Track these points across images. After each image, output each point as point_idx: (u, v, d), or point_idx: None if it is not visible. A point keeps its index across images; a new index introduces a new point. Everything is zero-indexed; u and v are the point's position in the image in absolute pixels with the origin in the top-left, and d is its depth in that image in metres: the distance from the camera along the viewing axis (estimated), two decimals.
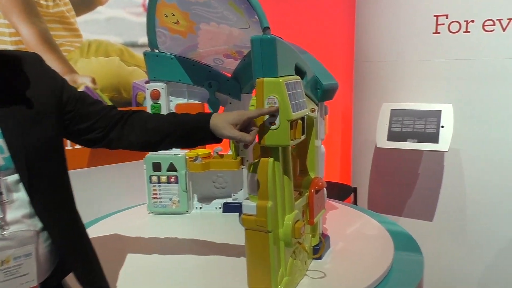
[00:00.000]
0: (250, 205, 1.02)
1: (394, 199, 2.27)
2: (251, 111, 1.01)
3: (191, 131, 1.06)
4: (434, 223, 2.18)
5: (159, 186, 1.67)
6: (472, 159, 2.05)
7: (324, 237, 1.30)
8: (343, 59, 2.72)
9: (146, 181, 1.68)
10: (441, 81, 2.07)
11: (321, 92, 1.22)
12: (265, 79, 0.96)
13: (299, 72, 1.11)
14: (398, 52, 2.18)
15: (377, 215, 1.66)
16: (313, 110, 1.15)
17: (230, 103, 1.67)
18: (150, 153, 1.69)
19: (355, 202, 2.31)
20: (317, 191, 1.19)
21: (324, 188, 1.24)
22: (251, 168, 1.04)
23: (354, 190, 2.31)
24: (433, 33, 2.08)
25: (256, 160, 1.05)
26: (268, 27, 0.98)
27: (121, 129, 1.05)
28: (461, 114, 2.02)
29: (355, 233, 1.47)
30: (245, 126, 1.02)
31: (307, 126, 1.13)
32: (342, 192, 2.25)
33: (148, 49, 1.63)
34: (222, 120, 1.02)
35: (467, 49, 2.01)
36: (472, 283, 2.12)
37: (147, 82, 1.68)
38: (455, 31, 2.02)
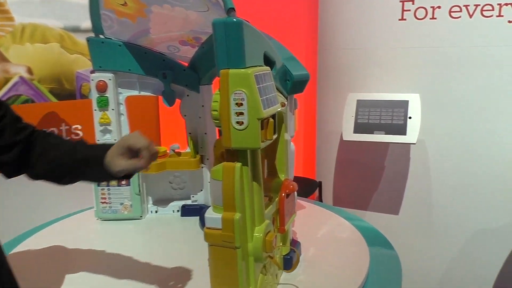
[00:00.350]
0: (214, 217, 0.88)
1: (360, 193, 2.20)
2: (130, 139, 0.90)
3: (90, 170, 0.93)
4: (400, 217, 2.14)
5: (108, 189, 1.49)
6: (438, 150, 2.01)
7: (295, 244, 1.18)
8: (305, 46, 2.59)
9: (93, 184, 1.50)
10: (408, 70, 2.00)
11: (291, 84, 1.09)
12: (231, 71, 0.81)
13: (268, 61, 0.97)
14: (363, 39, 2.09)
15: (346, 213, 1.56)
16: (283, 105, 1.02)
17: (188, 95, 1.51)
18: None
19: (320, 197, 2.22)
20: (287, 195, 1.06)
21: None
22: (215, 174, 0.89)
23: (319, 184, 2.22)
24: (399, 19, 2.00)
25: (220, 164, 0.90)
26: (233, 9, 0.83)
27: (28, 151, 0.91)
28: (427, 104, 1.96)
29: (326, 236, 1.37)
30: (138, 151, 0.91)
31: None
32: (307, 187, 2.14)
33: (92, 34, 1.43)
34: (110, 155, 0.90)
35: (433, 36, 1.95)
36: (439, 275, 2.10)
37: (92, 72, 1.48)
38: (421, 17, 1.95)
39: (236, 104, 0.81)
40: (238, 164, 0.86)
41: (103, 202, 1.51)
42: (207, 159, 1.52)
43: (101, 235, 1.43)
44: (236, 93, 0.81)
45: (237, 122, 0.82)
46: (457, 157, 1.97)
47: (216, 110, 0.84)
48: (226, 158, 0.87)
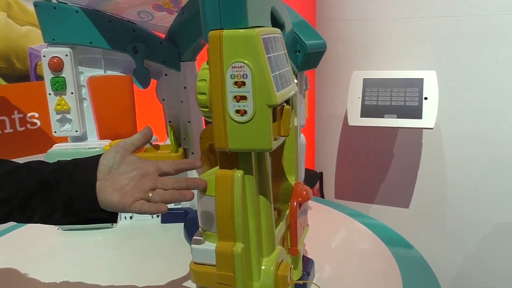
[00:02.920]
0: (204, 249, 0.61)
1: (365, 184, 1.95)
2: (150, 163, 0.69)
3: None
4: (410, 210, 1.91)
5: None
6: (455, 136, 1.77)
7: (307, 264, 0.93)
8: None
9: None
10: (422, 43, 1.74)
11: (303, 56, 0.82)
12: (226, 31, 0.53)
13: (275, 23, 0.69)
14: (368, 8, 1.82)
15: (359, 214, 1.31)
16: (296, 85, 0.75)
17: (166, 74, 1.22)
18: (54, 147, 1.22)
19: (321, 190, 1.97)
20: (300, 205, 0.80)
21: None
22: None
23: (320, 175, 1.97)
24: None
25: (212, 172, 0.63)
26: None
27: None
28: (443, 82, 1.71)
29: (342, 248, 1.11)
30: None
31: None
32: (307, 179, 1.89)
33: None
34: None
35: (451, 3, 1.69)
36: (453, 274, 1.89)
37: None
38: None
39: (235, 83, 0.54)
40: (239, 173, 0.58)
41: None
42: (192, 153, 1.24)
43: (62, 250, 1.15)
44: (234, 67, 0.53)
45: (237, 111, 0.54)
46: (477, 144, 1.73)
47: (205, 93, 0.57)
48: (221, 164, 0.60)
